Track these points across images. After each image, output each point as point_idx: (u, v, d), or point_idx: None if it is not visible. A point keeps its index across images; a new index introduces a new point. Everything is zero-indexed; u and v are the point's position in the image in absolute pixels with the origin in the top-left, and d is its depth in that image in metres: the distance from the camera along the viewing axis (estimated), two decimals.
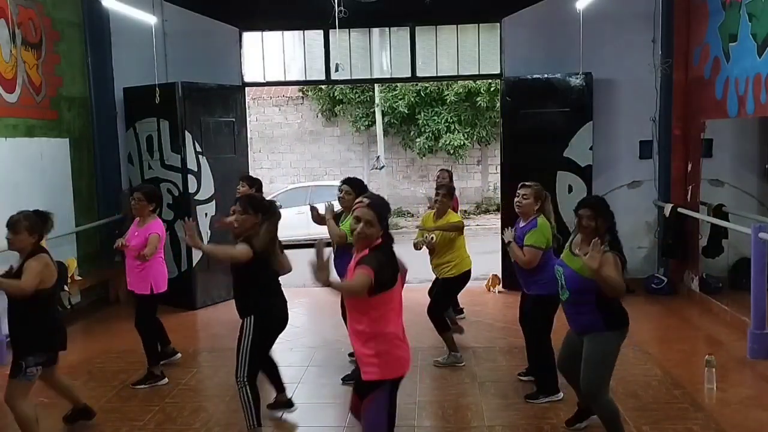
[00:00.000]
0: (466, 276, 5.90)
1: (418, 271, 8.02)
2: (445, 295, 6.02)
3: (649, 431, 4.42)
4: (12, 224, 4.19)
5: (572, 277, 3.99)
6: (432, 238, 5.78)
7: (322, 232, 5.34)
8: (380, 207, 3.26)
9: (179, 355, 6.07)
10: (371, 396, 3.25)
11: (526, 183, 4.98)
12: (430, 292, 6.12)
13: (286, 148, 19.66)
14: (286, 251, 4.69)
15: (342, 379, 5.42)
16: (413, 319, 7.24)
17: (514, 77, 8.30)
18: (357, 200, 3.32)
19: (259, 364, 4.41)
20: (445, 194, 5.94)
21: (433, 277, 6.10)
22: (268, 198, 5.11)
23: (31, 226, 4.22)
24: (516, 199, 4.97)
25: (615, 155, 8.35)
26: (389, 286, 3.22)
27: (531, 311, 4.98)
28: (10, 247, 4.28)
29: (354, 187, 5.33)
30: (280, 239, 4.52)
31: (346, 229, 5.04)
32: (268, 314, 4.33)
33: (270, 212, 4.37)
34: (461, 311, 7.20)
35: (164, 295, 5.68)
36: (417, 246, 5.86)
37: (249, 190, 6.25)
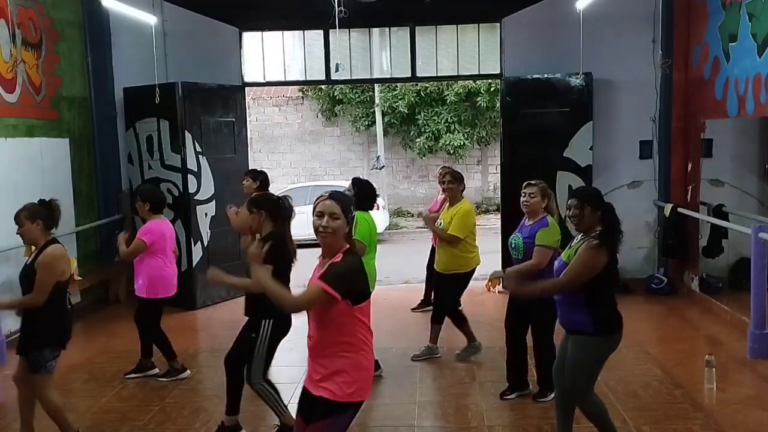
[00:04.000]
0: (454, 277, 5.78)
1: (419, 272, 8.00)
2: (439, 292, 6.00)
3: (649, 431, 4.41)
4: (15, 219, 4.26)
5: (560, 268, 3.87)
6: (440, 223, 5.88)
7: None
8: (343, 199, 3.03)
9: (188, 372, 5.80)
10: (324, 422, 2.94)
11: (531, 182, 4.87)
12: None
13: (286, 148, 19.66)
14: None
15: None
16: (412, 319, 7.28)
17: (514, 77, 8.30)
18: (317, 198, 3.09)
19: (270, 362, 4.43)
20: (452, 180, 5.88)
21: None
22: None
23: (30, 214, 4.20)
24: (523, 199, 4.83)
25: (615, 155, 8.35)
26: (367, 295, 3.01)
27: (535, 314, 4.83)
28: (25, 242, 4.34)
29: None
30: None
31: (360, 237, 4.89)
32: (285, 317, 4.31)
33: (277, 208, 4.32)
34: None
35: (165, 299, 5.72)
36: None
37: (254, 183, 6.36)
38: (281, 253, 4.09)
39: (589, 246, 3.70)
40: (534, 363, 5.09)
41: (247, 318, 4.44)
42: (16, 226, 4.24)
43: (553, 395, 4.74)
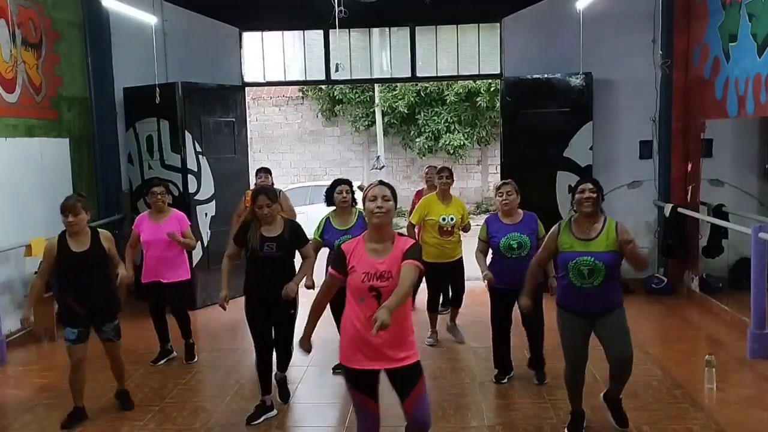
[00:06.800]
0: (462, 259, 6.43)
1: None
2: (459, 278, 6.43)
3: (649, 431, 4.41)
4: (72, 207, 4.52)
5: (607, 258, 4.05)
6: (452, 219, 6.13)
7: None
8: (389, 185, 3.35)
9: (175, 354, 6.17)
10: (422, 380, 3.32)
11: (506, 181, 5.25)
12: (442, 280, 6.46)
13: (286, 148, 19.67)
14: None
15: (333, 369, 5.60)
16: (414, 319, 7.27)
17: (514, 77, 8.30)
18: (367, 187, 3.41)
19: None
20: (449, 175, 6.28)
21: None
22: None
23: (85, 205, 4.61)
24: (501, 198, 5.13)
25: (615, 155, 8.35)
26: None
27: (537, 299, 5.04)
28: (72, 229, 4.57)
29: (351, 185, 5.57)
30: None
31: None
32: None
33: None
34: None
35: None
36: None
37: (270, 178, 6.96)
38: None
39: (624, 227, 4.12)
40: (529, 347, 5.41)
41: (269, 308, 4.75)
42: (70, 214, 4.50)
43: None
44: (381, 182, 3.39)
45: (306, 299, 4.65)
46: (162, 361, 5.99)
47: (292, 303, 4.79)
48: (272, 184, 6.98)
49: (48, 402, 5.18)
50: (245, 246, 4.71)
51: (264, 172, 6.97)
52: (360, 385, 3.32)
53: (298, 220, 5.22)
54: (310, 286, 5.19)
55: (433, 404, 5.00)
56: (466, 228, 6.40)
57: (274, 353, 4.93)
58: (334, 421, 4.83)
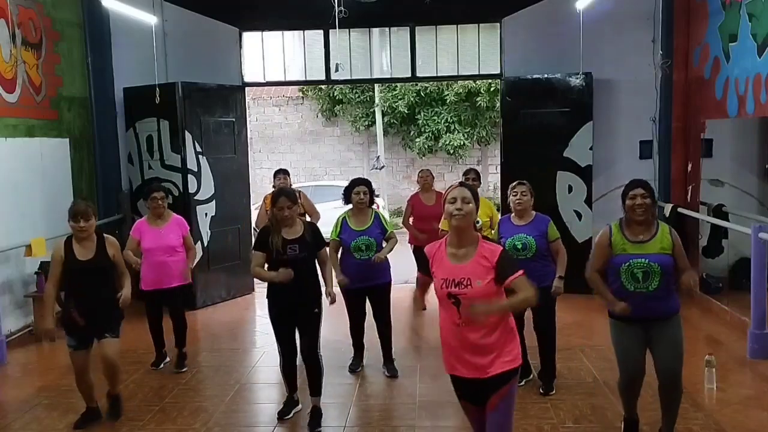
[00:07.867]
0: None
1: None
2: None
3: (649, 431, 4.41)
4: (83, 212, 4.53)
5: (663, 260, 3.87)
6: (479, 221, 6.00)
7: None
8: (471, 187, 3.26)
9: (169, 359, 6.07)
10: (503, 390, 3.20)
11: (521, 181, 5.11)
12: None
13: (286, 148, 19.66)
14: None
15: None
16: (417, 318, 7.28)
17: (514, 77, 8.30)
18: (447, 188, 3.30)
19: None
20: (475, 177, 6.30)
21: None
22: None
23: (95, 210, 4.62)
24: (515, 198, 5.01)
25: (615, 155, 8.35)
26: None
27: (549, 302, 4.99)
28: (81, 234, 4.55)
29: (370, 187, 5.59)
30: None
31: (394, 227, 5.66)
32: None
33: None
34: None
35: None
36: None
37: (287, 181, 6.94)
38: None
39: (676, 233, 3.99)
40: (540, 354, 5.22)
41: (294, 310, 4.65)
42: (81, 219, 4.50)
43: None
44: (462, 184, 3.26)
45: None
46: (161, 366, 5.94)
47: (317, 302, 4.66)
48: (290, 185, 7.02)
49: (48, 402, 5.18)
50: (268, 250, 4.54)
51: (283, 173, 6.99)
52: (460, 389, 3.39)
53: None
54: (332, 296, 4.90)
55: (434, 404, 5.02)
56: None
57: (304, 365, 4.79)
58: (334, 421, 4.83)
